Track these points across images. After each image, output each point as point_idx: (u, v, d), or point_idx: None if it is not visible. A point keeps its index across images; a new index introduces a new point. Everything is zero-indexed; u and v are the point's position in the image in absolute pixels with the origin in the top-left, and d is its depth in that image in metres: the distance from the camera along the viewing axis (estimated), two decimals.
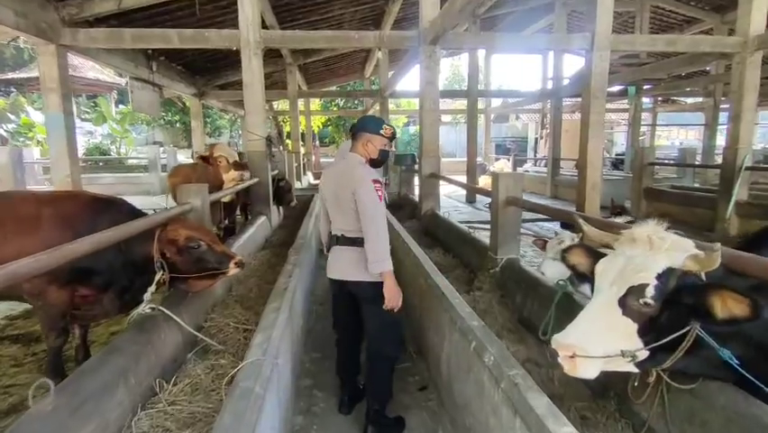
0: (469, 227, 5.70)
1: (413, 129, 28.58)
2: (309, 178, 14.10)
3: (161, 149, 15.60)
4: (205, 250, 2.60)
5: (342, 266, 2.28)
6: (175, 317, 2.41)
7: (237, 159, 4.32)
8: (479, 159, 13.92)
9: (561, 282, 2.78)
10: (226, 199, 4.57)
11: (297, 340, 2.87)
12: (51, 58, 5.35)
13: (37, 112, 16.02)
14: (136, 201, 3.19)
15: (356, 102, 22.13)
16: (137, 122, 19.08)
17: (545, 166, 17.61)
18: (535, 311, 2.83)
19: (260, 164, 5.83)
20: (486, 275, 3.50)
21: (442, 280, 2.85)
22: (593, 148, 6.43)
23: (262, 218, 5.72)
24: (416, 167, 8.46)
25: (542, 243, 3.22)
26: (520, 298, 3.03)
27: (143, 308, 2.36)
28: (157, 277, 2.61)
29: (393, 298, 2.16)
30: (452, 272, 3.97)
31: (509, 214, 3.46)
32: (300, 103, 18.56)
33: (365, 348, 2.40)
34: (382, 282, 2.14)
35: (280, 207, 7.20)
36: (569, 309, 2.30)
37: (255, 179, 5.74)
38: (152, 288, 2.62)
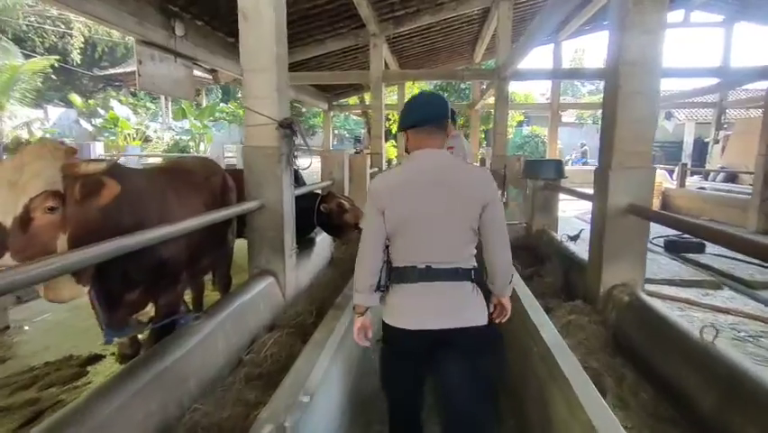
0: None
1: (527, 129, 24.34)
2: None
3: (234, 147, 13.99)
4: None
5: (445, 308, 1.55)
6: None
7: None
8: None
9: None
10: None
11: None
12: None
13: (122, 107, 15.37)
14: None
15: (461, 92, 18.70)
16: (222, 118, 17.86)
17: (726, 181, 12.67)
18: None
19: (267, 172, 2.96)
20: None
21: None
22: None
23: (261, 286, 2.83)
24: (563, 181, 5.02)
25: None
26: None
27: None
28: None
29: None
30: None
31: None
32: (395, 98, 15.68)
33: (453, 422, 1.62)
34: (493, 324, 1.66)
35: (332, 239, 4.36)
36: None
37: (253, 203, 2.90)
38: None
